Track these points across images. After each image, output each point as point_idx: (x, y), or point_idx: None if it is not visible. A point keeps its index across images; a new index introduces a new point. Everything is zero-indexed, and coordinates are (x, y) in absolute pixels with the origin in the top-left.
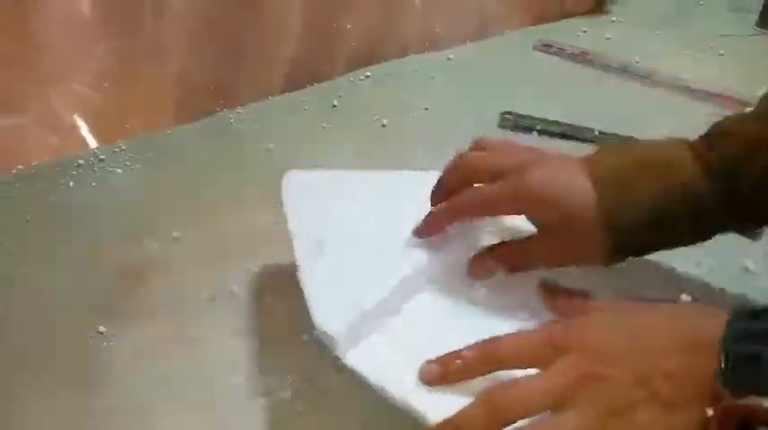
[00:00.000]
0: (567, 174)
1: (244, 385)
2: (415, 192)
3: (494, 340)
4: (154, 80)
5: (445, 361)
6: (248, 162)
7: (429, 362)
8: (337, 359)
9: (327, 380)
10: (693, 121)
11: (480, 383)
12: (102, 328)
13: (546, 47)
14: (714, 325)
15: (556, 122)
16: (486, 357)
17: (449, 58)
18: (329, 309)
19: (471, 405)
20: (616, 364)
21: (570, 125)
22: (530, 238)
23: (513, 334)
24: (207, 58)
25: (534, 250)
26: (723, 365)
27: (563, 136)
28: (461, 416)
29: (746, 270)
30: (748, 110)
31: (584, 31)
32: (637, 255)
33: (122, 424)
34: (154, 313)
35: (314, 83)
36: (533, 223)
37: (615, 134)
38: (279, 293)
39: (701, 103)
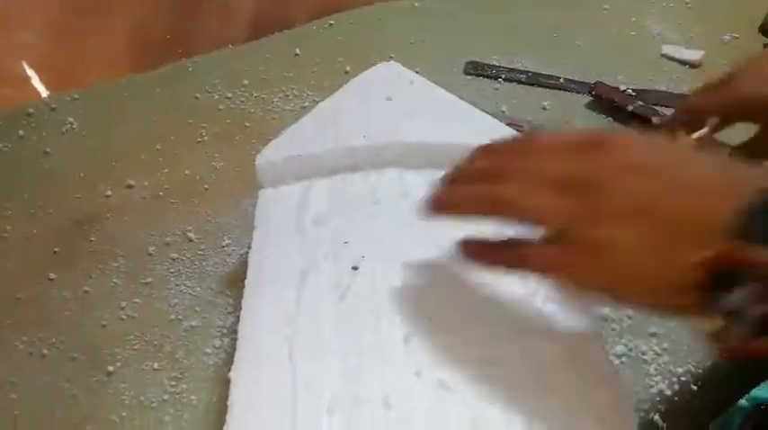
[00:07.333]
0: None
1: (200, 328)
2: None
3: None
4: (106, 30)
5: None
6: (205, 110)
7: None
8: None
9: None
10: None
11: None
12: (52, 276)
13: None
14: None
15: (521, 70)
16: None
17: (414, 5)
18: None
19: None
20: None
21: (535, 73)
22: None
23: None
24: (162, 8)
25: None
26: (737, 214)
27: (529, 83)
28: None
29: None
30: None
31: None
32: None
33: (75, 367)
34: (106, 260)
35: (276, 31)
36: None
37: (581, 81)
38: (235, 237)
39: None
